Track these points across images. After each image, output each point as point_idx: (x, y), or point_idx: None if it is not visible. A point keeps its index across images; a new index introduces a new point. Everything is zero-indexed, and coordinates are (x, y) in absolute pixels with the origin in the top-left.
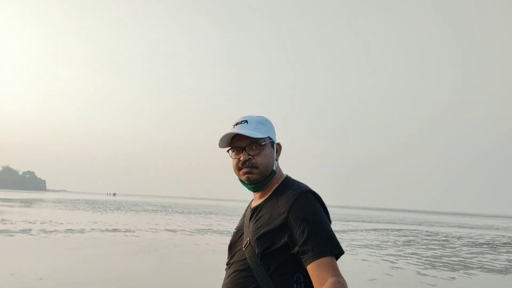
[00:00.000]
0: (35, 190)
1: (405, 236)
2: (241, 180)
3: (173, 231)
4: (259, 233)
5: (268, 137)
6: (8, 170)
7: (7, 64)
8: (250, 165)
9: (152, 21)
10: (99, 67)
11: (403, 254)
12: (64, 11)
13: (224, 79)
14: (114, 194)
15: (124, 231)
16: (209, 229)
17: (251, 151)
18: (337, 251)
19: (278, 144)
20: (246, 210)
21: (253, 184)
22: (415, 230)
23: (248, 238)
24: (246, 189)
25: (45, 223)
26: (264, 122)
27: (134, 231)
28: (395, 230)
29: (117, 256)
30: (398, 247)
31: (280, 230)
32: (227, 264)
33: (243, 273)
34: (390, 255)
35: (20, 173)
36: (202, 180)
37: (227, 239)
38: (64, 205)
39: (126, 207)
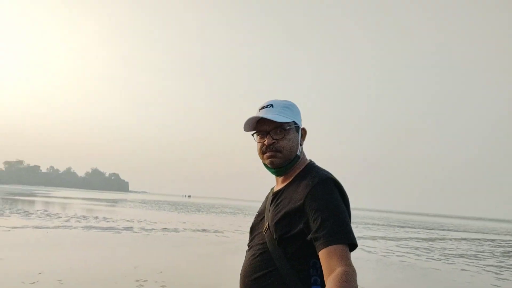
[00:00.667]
0: (119, 191)
1: (501, 246)
2: (264, 164)
3: None
4: (277, 218)
5: (293, 121)
6: (96, 172)
7: (90, 69)
8: (274, 149)
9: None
10: (176, 73)
11: (506, 266)
12: (143, 21)
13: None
14: (189, 196)
15: (213, 232)
16: None
17: (275, 135)
18: (350, 241)
19: (303, 129)
20: (268, 194)
21: (277, 168)
22: (511, 240)
23: (267, 223)
24: (270, 172)
25: (141, 221)
26: (289, 107)
27: (222, 232)
28: (488, 240)
29: (221, 254)
30: (497, 258)
31: (297, 216)
32: (248, 246)
33: (262, 256)
34: (491, 265)
35: (107, 174)
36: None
37: None
38: (150, 205)
39: (205, 209)
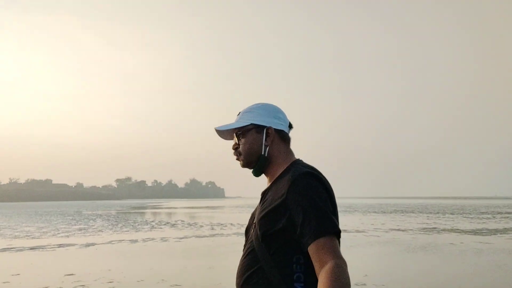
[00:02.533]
0: (216, 198)
1: None
2: None
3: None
4: (261, 216)
5: (251, 124)
6: (194, 182)
7: (178, 86)
8: (236, 153)
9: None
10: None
11: None
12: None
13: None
14: None
15: (380, 231)
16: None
17: (238, 140)
18: (333, 230)
19: (269, 128)
20: None
21: (252, 170)
22: None
23: (254, 221)
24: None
25: None
26: (252, 110)
27: (406, 231)
28: None
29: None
30: None
31: (279, 213)
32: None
33: (250, 254)
34: None
35: (203, 183)
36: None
37: None
38: None
39: None
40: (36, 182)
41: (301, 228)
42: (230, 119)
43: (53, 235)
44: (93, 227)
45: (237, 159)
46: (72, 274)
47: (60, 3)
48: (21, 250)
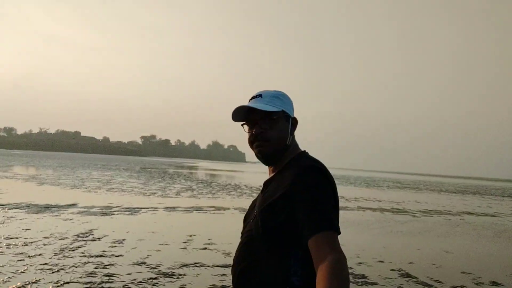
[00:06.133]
0: (237, 162)
1: None
2: (256, 154)
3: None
4: (263, 206)
5: (282, 111)
6: (216, 144)
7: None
8: (262, 138)
9: None
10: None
11: None
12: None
13: None
14: None
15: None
16: None
17: (263, 125)
18: (334, 226)
19: (294, 119)
20: None
21: (265, 158)
22: None
23: (256, 211)
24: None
25: (357, 200)
26: (279, 96)
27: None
28: None
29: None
30: None
31: (281, 205)
32: (241, 235)
33: (247, 244)
34: None
35: (225, 146)
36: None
37: None
38: None
39: (359, 182)
40: (65, 133)
41: (303, 221)
42: (255, 88)
43: (177, 194)
44: (193, 188)
45: (260, 145)
46: None
47: None
48: (188, 211)
